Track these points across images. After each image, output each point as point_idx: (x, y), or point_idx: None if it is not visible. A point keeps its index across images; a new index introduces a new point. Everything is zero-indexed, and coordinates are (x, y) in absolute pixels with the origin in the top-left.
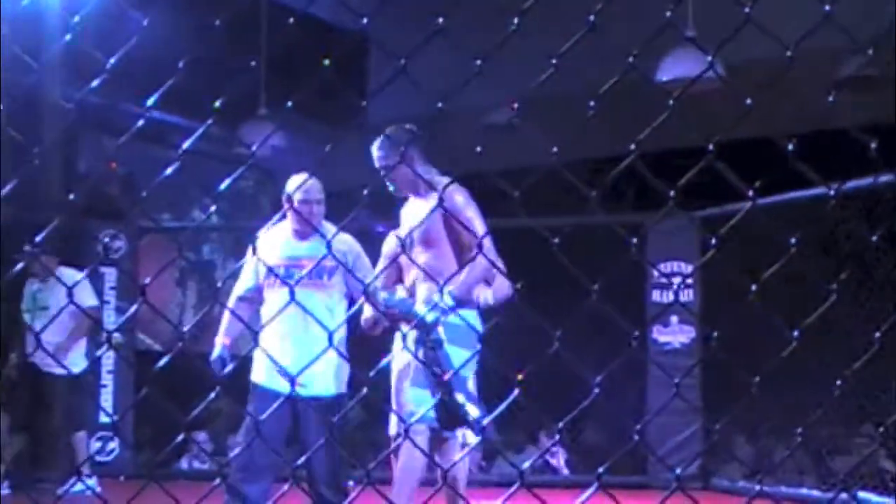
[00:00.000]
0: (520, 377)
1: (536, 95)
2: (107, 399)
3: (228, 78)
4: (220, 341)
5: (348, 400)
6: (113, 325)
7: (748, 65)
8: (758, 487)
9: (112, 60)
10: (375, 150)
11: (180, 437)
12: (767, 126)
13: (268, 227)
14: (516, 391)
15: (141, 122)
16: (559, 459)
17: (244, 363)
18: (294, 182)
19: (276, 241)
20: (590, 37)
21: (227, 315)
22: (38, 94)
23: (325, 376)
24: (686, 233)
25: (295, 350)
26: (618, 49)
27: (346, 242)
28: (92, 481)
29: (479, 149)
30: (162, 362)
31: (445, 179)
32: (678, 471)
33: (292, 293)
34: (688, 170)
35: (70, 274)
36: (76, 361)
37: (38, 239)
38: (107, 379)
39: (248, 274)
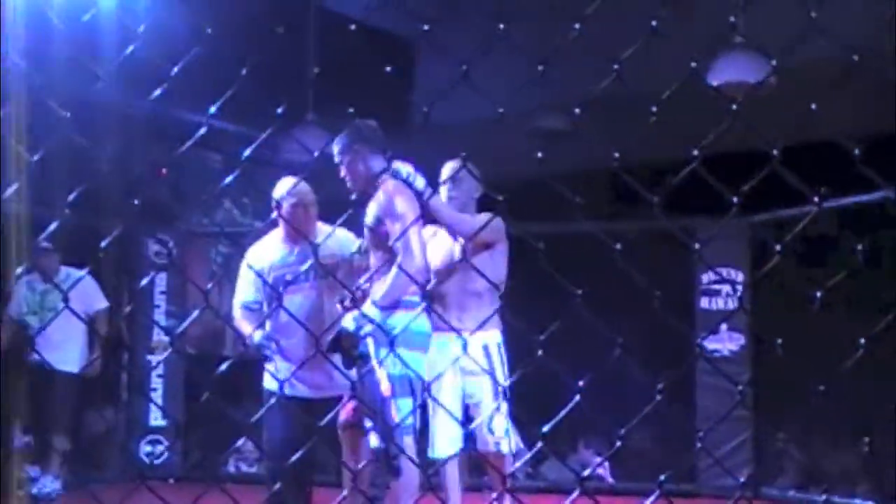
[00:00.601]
0: (579, 383)
1: (586, 99)
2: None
3: (275, 82)
4: (250, 332)
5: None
6: (164, 330)
7: (800, 67)
8: (817, 498)
9: (175, 69)
10: (334, 146)
11: (239, 442)
12: (822, 129)
13: (262, 237)
14: (576, 398)
15: (203, 130)
16: (604, 467)
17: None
18: (282, 186)
19: (270, 249)
20: (639, 39)
21: (239, 325)
22: (102, 102)
23: (339, 376)
24: (737, 238)
25: (307, 354)
26: (668, 52)
27: (340, 241)
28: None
29: (540, 154)
30: (223, 367)
31: (404, 173)
32: (731, 480)
33: (279, 296)
34: (738, 173)
35: (77, 275)
36: (80, 361)
37: (42, 238)
38: (157, 383)
39: (246, 287)
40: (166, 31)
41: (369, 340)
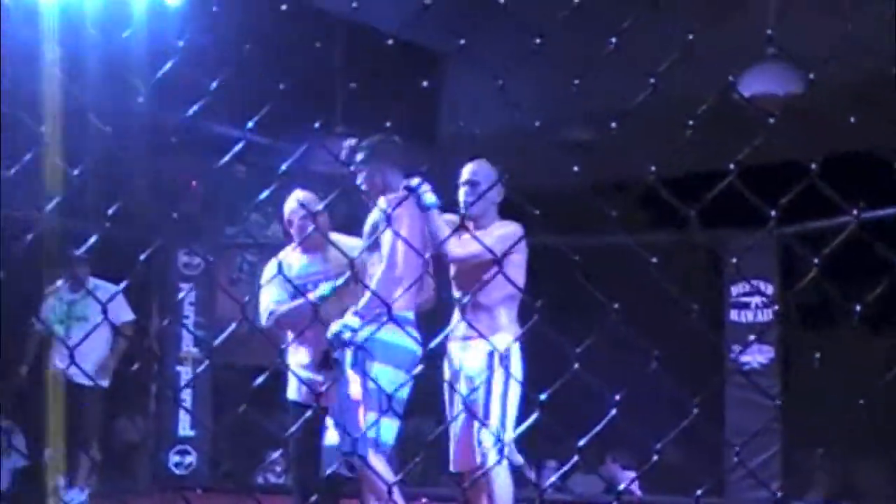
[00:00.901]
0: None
1: (621, 112)
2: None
3: (301, 94)
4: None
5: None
6: (192, 342)
7: (829, 81)
8: None
9: (214, 85)
10: (356, 155)
11: (277, 455)
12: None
13: (282, 248)
14: (612, 412)
15: (240, 146)
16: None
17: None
18: (292, 201)
19: (289, 260)
20: (672, 51)
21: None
22: (134, 115)
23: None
24: (765, 250)
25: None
26: (700, 64)
27: (355, 248)
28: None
29: (576, 168)
30: (259, 380)
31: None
32: (760, 493)
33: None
34: (765, 184)
35: (106, 287)
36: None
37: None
38: (185, 393)
39: (272, 295)
40: (195, 44)
41: (348, 350)
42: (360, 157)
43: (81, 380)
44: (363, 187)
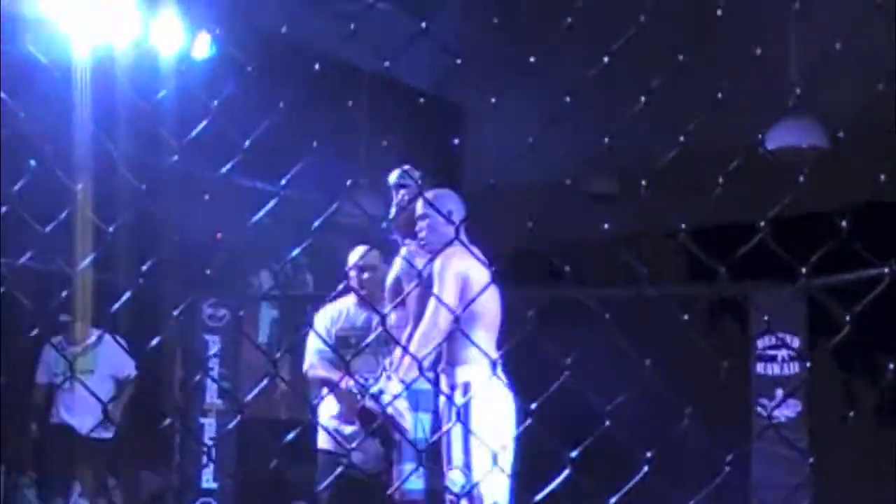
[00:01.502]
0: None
1: (646, 167)
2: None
3: (333, 149)
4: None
5: None
6: (216, 393)
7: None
8: None
9: (247, 143)
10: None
11: None
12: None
13: (331, 300)
14: (644, 468)
15: (274, 202)
16: None
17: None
18: (355, 255)
19: (339, 311)
20: (685, 103)
21: (317, 372)
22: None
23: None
24: (793, 303)
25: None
26: (725, 117)
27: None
28: None
29: (606, 226)
30: (290, 436)
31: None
32: None
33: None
34: (791, 238)
35: (108, 339)
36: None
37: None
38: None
39: (318, 345)
40: (225, 98)
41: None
42: (419, 205)
43: (87, 432)
44: (421, 232)
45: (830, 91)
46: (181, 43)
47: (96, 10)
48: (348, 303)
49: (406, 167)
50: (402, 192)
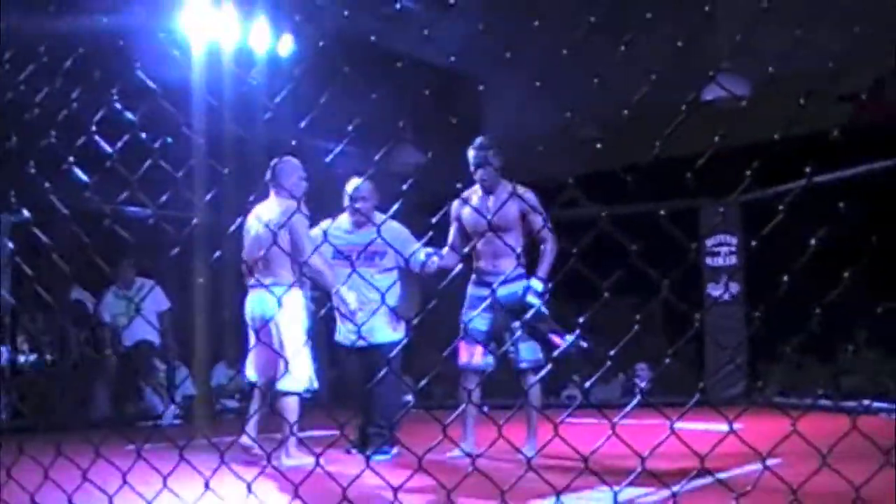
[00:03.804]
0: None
1: (622, 110)
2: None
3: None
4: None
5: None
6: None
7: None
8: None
9: (322, 100)
10: (477, 150)
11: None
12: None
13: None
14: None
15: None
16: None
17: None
18: (351, 184)
19: (338, 227)
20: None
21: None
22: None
23: (383, 328)
24: (731, 213)
25: (360, 313)
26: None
27: (392, 229)
28: None
29: (598, 146)
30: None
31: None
32: (733, 391)
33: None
34: (728, 165)
35: (150, 283)
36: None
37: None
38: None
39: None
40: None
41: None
42: (483, 151)
43: (148, 338)
44: (485, 178)
45: (756, 44)
46: (269, 42)
47: (208, 19)
48: (344, 221)
49: (480, 139)
50: (480, 153)
